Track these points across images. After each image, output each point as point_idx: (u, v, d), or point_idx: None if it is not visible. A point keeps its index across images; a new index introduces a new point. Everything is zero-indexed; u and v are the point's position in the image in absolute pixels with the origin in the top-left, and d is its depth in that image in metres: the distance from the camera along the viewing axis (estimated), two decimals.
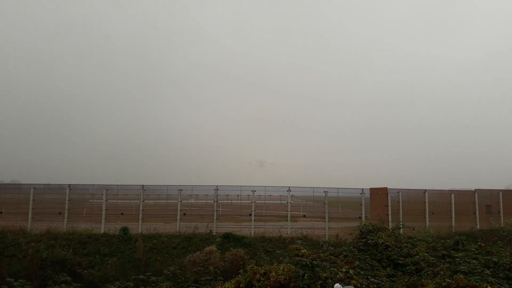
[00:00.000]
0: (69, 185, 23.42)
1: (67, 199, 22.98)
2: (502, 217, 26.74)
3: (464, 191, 28.22)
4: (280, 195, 26.85)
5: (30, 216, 22.73)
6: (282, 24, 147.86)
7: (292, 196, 24.77)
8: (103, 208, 22.91)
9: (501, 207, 27.18)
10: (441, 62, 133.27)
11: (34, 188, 23.29)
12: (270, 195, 28.05)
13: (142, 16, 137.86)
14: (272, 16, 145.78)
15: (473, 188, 27.57)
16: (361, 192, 24.63)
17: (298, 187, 25.37)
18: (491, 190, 28.34)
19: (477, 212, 26.21)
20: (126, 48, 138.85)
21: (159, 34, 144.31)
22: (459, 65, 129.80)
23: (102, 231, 21.92)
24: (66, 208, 22.87)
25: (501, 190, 28.47)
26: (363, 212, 23.99)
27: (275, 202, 31.19)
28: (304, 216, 27.74)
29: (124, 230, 20.90)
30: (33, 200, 23.02)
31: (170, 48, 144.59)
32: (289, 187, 24.17)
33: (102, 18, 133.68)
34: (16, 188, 25.37)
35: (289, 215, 23.46)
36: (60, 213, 23.04)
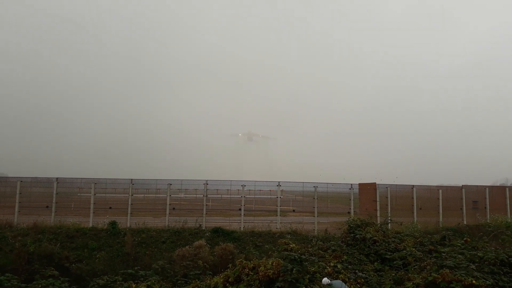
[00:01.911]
0: (57, 178, 23.14)
1: (54, 192, 22.73)
2: (488, 212, 27.15)
3: (451, 187, 28.57)
4: (270, 190, 26.91)
5: (16, 209, 22.43)
6: (275, 27, 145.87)
7: (282, 191, 24.83)
8: (91, 202, 22.70)
9: (488, 203, 27.61)
10: (429, 67, 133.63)
11: (21, 181, 22.98)
12: (260, 190, 28.08)
13: (133, 14, 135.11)
14: (264, 19, 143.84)
15: (460, 184, 27.96)
16: (350, 187, 24.82)
17: (288, 182, 25.49)
18: (477, 186, 28.76)
19: (464, 207, 26.58)
20: (116, 45, 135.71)
21: (150, 33, 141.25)
22: (447, 70, 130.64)
23: (91, 225, 21.75)
24: (54, 201, 22.62)
25: (488, 186, 28.91)
26: (352, 207, 24.19)
27: (265, 196, 31.25)
28: (293, 210, 27.87)
29: (113, 224, 20.76)
30: (20, 193, 22.71)
31: (161, 47, 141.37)
32: (279, 182, 24.24)
33: (93, 17, 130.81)
34: (2, 181, 24.98)
35: (278, 210, 23.54)
36: (47, 206, 22.78)
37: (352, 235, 11.30)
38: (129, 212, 22.66)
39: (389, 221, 15.16)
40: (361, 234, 11.00)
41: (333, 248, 10.43)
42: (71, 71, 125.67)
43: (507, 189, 29.46)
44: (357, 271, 8.43)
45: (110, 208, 24.36)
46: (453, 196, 26.97)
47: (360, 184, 25.37)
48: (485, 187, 28.52)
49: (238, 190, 24.13)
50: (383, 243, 10.57)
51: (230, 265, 7.93)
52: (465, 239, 10.93)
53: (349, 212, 23.94)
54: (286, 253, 8.00)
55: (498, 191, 29.53)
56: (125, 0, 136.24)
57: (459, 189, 27.38)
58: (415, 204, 25.07)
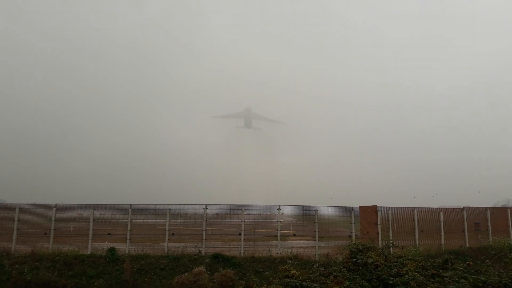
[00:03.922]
0: (56, 204, 23.00)
1: (53, 219, 22.53)
2: (490, 234, 26.89)
3: (452, 208, 28.45)
4: (271, 213, 26.74)
5: (14, 236, 22.20)
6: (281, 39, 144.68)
7: (282, 214, 24.64)
8: (90, 228, 22.50)
9: (489, 225, 27.37)
10: (434, 84, 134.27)
11: (20, 208, 22.82)
12: (260, 214, 27.89)
13: (131, 41, 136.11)
14: (273, 22, 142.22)
15: (461, 206, 27.80)
16: (351, 210, 24.62)
17: (288, 205, 25.33)
18: (479, 207, 28.59)
19: (466, 229, 26.34)
20: (116, 71, 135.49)
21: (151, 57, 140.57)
22: (452, 86, 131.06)
23: (89, 251, 21.48)
24: (52, 228, 22.40)
25: (489, 208, 28.74)
26: (353, 231, 23.96)
27: (265, 220, 31.03)
28: (294, 235, 27.58)
29: (111, 250, 20.53)
30: (18, 220, 22.52)
31: (161, 68, 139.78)
32: (279, 205, 24.08)
33: (96, 41, 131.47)
34: (0, 208, 24.85)
35: (279, 234, 23.29)
36: (45, 233, 22.56)
37: (353, 260, 11.17)
38: (128, 238, 22.41)
39: (391, 245, 15.04)
40: (362, 259, 10.87)
41: (334, 273, 10.29)
42: (70, 96, 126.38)
43: (509, 210, 29.29)
44: None
45: (109, 234, 24.13)
46: (454, 218, 26.78)
47: (361, 207, 25.20)
48: (486, 208, 28.35)
49: (238, 214, 23.96)
50: (385, 267, 10.44)
51: None
52: (467, 262, 10.82)
53: (350, 236, 23.72)
54: (287, 280, 7.92)
55: (500, 213, 29.39)
56: (125, 26, 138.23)
57: (460, 211, 27.22)
58: (416, 227, 24.86)
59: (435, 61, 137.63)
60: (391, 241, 16.17)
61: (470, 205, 28.45)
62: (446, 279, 9.18)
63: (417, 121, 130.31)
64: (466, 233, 26.28)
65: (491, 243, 25.28)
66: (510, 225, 28.16)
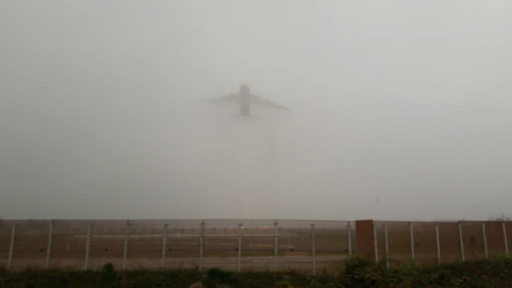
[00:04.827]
0: (53, 220, 22.93)
1: (50, 235, 22.43)
2: (486, 248, 27.00)
3: (447, 222, 28.60)
4: (268, 228, 26.76)
5: (10, 253, 22.08)
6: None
7: (279, 229, 24.68)
8: (87, 244, 22.41)
9: (485, 239, 27.50)
10: (430, 99, 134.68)
11: (16, 224, 22.73)
12: (257, 228, 27.89)
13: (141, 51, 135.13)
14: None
15: (456, 220, 27.95)
16: (347, 224, 24.69)
17: (285, 220, 25.37)
18: (474, 221, 28.77)
19: (462, 244, 26.47)
20: (120, 86, 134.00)
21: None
22: (442, 109, 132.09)
23: (86, 268, 21.37)
24: (49, 244, 22.29)
25: (484, 222, 28.91)
26: (350, 245, 23.99)
27: (262, 235, 30.99)
28: (291, 250, 27.58)
29: (108, 267, 20.41)
30: (15, 236, 22.42)
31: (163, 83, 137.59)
32: (276, 220, 24.14)
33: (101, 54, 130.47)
34: None
35: (276, 250, 23.29)
36: (42, 249, 22.43)
37: (350, 275, 11.32)
38: (125, 254, 22.32)
39: (387, 259, 15.17)
40: (359, 274, 11.03)
41: None
42: (71, 109, 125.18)
43: (504, 224, 29.47)
44: None
45: (106, 250, 24.02)
46: (449, 232, 26.93)
47: (357, 222, 25.31)
48: (481, 222, 28.53)
49: (235, 228, 24.00)
50: (382, 283, 10.59)
51: None
52: (464, 277, 11.01)
53: (347, 250, 23.74)
54: None
55: (495, 227, 29.54)
56: (130, 36, 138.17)
57: (455, 225, 27.38)
58: (412, 241, 24.95)
59: (433, 75, 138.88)
60: (387, 256, 16.29)
61: (464, 219, 28.59)
62: None
63: (412, 136, 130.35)
64: (462, 247, 26.39)
65: (487, 257, 25.37)
66: (506, 239, 28.31)
